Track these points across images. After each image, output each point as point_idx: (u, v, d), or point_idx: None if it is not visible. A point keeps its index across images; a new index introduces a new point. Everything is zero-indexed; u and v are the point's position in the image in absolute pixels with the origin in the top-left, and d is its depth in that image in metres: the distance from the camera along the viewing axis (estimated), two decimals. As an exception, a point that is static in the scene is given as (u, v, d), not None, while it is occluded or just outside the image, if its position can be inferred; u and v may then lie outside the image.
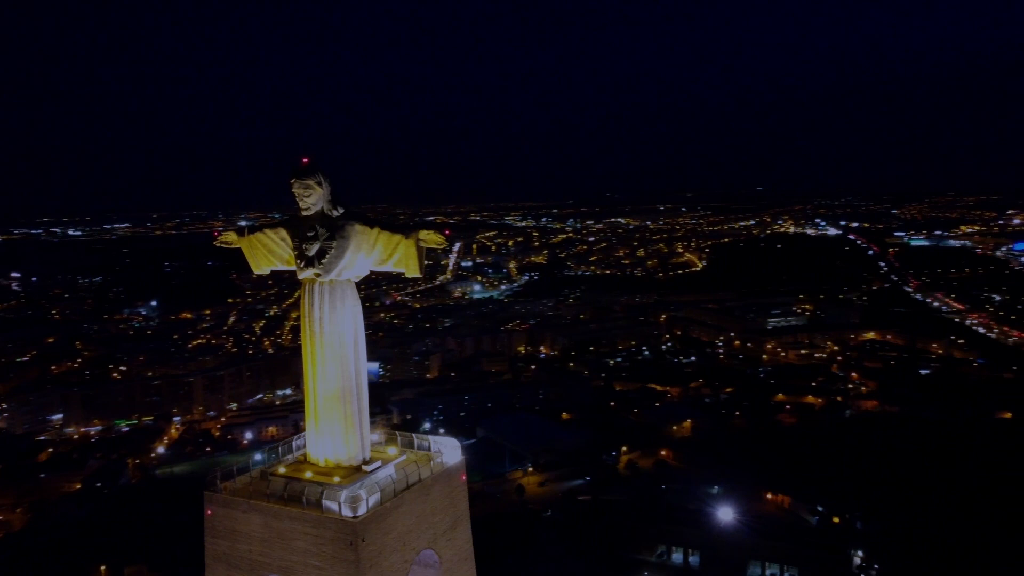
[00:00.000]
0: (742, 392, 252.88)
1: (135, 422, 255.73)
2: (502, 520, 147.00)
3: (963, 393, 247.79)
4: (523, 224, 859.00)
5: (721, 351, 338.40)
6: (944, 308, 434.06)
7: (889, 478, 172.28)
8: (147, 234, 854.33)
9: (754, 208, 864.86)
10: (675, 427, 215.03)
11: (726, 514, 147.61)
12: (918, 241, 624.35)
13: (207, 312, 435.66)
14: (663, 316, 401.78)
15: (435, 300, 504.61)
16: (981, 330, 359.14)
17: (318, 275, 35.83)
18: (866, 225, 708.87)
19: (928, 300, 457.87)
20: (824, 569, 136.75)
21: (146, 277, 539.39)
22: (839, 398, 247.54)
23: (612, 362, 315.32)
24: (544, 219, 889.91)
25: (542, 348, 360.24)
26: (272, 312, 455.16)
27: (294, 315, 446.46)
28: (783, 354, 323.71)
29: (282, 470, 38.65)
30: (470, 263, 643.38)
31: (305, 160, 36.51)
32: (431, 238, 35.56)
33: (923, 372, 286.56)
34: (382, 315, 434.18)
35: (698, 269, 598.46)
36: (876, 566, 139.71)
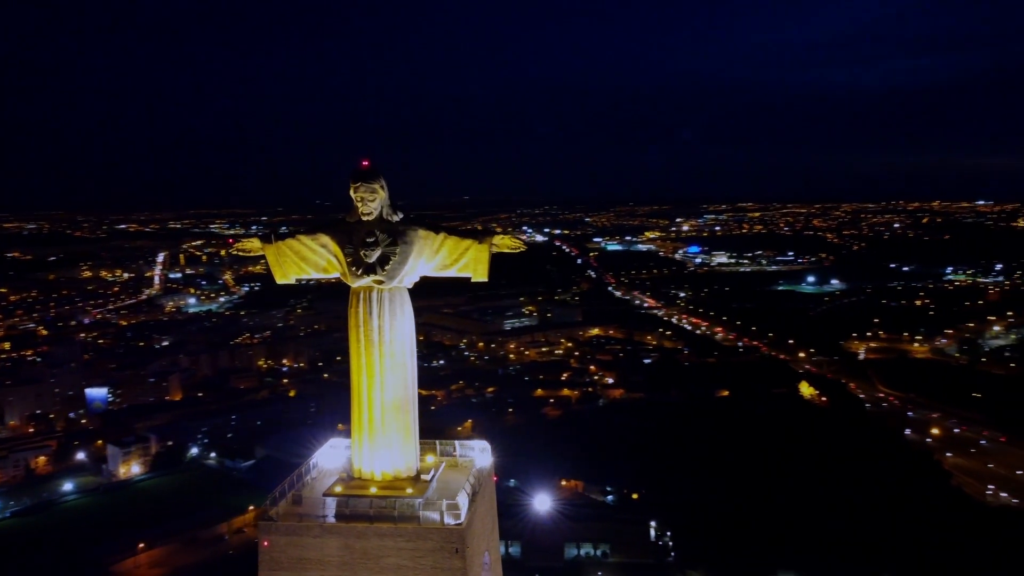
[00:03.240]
0: (504, 390, 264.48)
1: None
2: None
3: (684, 377, 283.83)
4: (232, 232, 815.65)
5: (468, 353, 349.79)
6: (644, 305, 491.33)
7: (656, 454, 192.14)
8: None
9: (463, 216, 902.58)
10: (458, 428, 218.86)
11: (542, 503, 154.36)
12: (613, 246, 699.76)
13: None
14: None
15: (145, 316, 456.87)
16: (687, 326, 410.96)
17: (380, 282, 34.36)
18: (567, 232, 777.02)
19: (629, 298, 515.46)
20: (630, 542, 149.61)
21: None
22: (590, 389, 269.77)
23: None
24: (254, 227, 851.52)
25: (285, 361, 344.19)
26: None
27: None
28: (526, 353, 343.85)
29: (339, 489, 35.75)
30: (179, 274, 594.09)
31: (366, 163, 34.96)
32: (505, 243, 35.17)
33: (646, 361, 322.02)
34: (83, 335, 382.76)
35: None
36: (668, 532, 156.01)
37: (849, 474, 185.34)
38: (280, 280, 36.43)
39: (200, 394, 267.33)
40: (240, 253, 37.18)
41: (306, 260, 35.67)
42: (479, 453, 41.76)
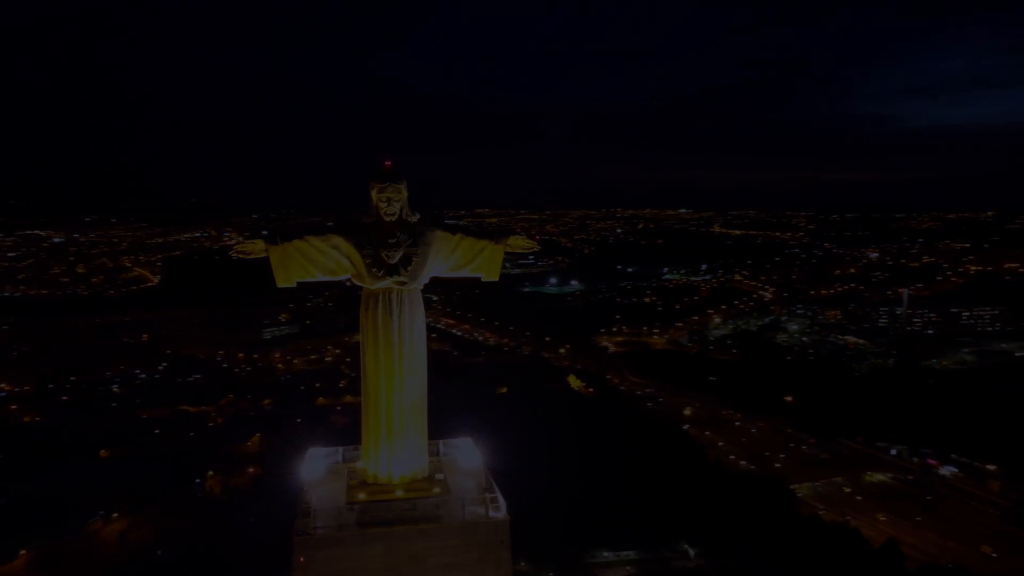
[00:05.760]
0: (282, 401, 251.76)
1: None
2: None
3: (460, 377, 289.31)
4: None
5: (227, 365, 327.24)
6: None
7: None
8: None
9: (196, 220, 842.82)
10: (248, 443, 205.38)
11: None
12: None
13: None
14: (145, 336, 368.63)
15: None
16: (453, 331, 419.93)
17: (402, 283, 34.64)
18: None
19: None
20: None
21: None
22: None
23: (114, 389, 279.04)
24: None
25: (3, 385, 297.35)
26: None
27: None
28: (295, 361, 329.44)
29: (363, 496, 35.70)
30: None
31: (388, 163, 35.37)
32: (519, 243, 36.68)
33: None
34: None
35: (155, 284, 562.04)
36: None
37: (627, 455, 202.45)
38: (282, 283, 34.70)
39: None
40: (241, 256, 34.79)
41: (313, 262, 34.56)
42: (471, 449, 42.49)
